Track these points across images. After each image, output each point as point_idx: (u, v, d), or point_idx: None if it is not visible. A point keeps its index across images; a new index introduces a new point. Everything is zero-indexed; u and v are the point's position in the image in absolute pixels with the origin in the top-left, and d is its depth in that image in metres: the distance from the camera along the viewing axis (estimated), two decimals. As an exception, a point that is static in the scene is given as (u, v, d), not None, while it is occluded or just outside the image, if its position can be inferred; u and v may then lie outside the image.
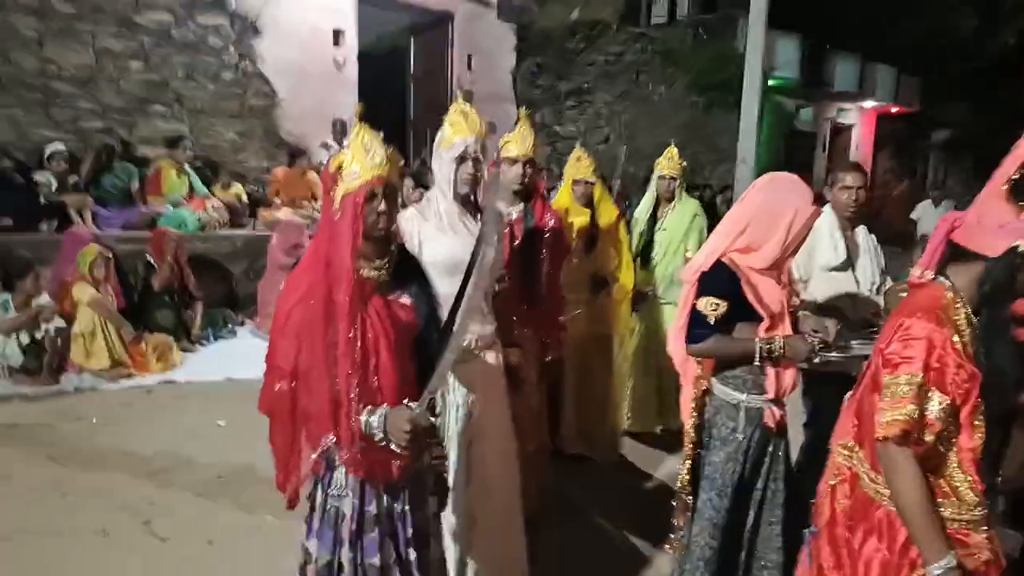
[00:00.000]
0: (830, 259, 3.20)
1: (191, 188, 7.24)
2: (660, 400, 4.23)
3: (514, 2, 10.66)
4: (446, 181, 2.39)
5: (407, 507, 1.85)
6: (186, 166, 7.27)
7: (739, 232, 2.35)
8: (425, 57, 10.51)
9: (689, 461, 2.49)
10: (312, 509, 1.84)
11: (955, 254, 1.65)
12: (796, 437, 2.81)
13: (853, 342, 2.54)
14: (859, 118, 19.41)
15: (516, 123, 3.14)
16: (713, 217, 11.52)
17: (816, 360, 2.35)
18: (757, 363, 2.30)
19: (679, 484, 2.51)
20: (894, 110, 19.73)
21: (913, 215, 11.68)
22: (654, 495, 3.70)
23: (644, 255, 4.29)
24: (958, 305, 1.62)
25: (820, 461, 1.99)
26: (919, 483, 1.57)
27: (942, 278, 1.66)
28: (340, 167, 1.71)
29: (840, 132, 19.27)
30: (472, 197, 2.45)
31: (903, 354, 1.58)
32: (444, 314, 1.94)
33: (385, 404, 1.72)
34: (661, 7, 17.19)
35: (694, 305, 2.35)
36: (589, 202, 3.87)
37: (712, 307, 2.31)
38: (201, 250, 6.65)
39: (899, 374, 1.58)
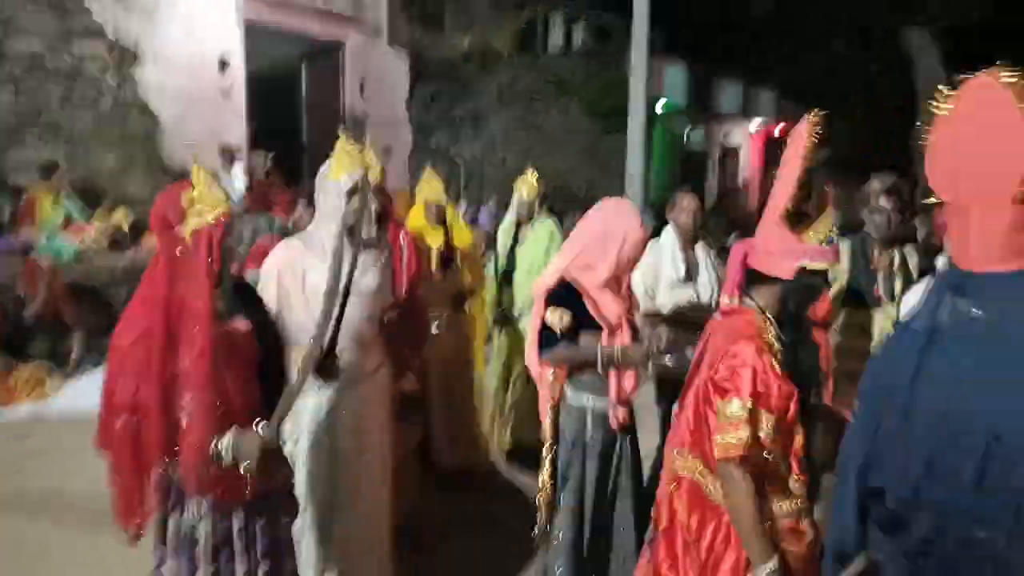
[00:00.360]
0: (672, 274, 3.56)
1: (68, 217, 7.04)
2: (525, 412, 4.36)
3: (405, 33, 10.91)
4: (333, 214, 2.45)
5: (259, 525, 1.93)
6: (63, 194, 7.07)
7: (579, 252, 2.59)
8: (317, 84, 10.57)
9: (548, 461, 2.67)
10: (163, 536, 1.89)
11: (753, 279, 1.88)
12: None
13: (687, 348, 2.80)
14: (745, 139, 20.63)
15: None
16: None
17: (651, 365, 2.59)
18: (600, 369, 2.53)
19: (540, 483, 2.69)
20: (777, 132, 21.08)
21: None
22: (523, 501, 3.82)
23: (507, 274, 4.44)
24: (768, 325, 1.86)
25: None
26: (752, 498, 1.76)
27: (748, 300, 1.89)
28: (191, 203, 1.80)
29: (729, 153, 20.42)
30: (358, 229, 2.53)
31: (732, 382, 1.79)
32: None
33: (233, 428, 1.79)
34: (557, 36, 17.88)
35: (543, 318, 2.57)
36: (443, 221, 4.04)
37: (558, 318, 2.52)
38: (80, 278, 6.47)
39: (730, 399, 1.78)
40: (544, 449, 2.69)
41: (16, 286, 5.84)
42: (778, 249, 1.83)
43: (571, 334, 2.54)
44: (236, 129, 9.07)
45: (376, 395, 2.64)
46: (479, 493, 3.93)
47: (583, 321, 2.54)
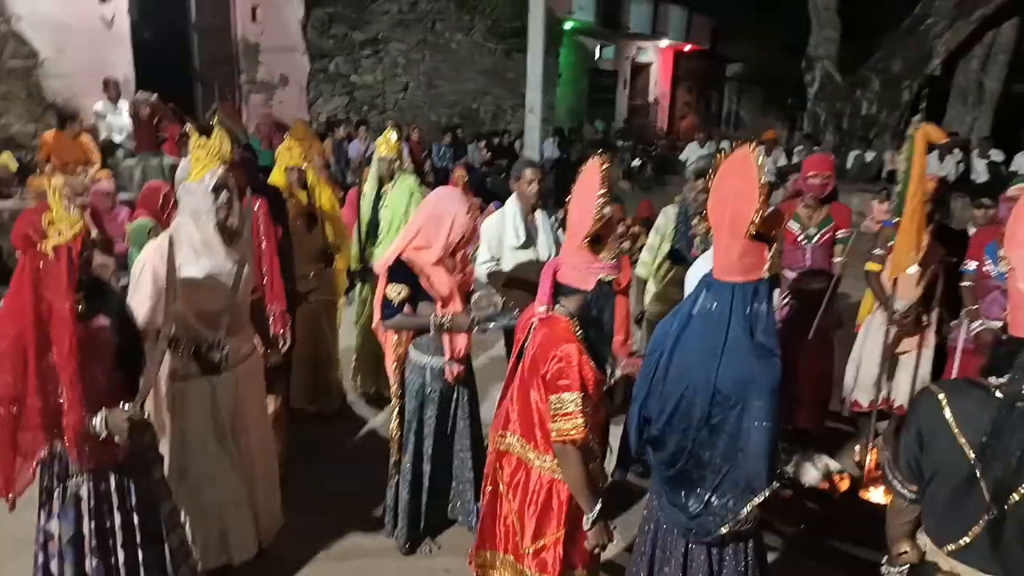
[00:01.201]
0: (514, 240, 4.03)
1: (-54, 159, 7.00)
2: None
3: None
4: (204, 211, 2.64)
5: (132, 481, 2.41)
6: (-62, 135, 7.00)
7: (414, 234, 3.07)
8: (207, 9, 10.29)
9: (396, 410, 3.24)
10: (49, 497, 2.33)
11: (561, 290, 2.36)
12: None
13: (513, 311, 3.32)
14: (657, 56, 20.90)
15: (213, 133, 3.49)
16: (510, 163, 12.05)
17: (476, 329, 3.11)
18: (432, 333, 3.08)
19: (391, 428, 3.26)
20: (687, 48, 21.42)
21: (681, 156, 13.16)
22: (377, 440, 4.36)
23: (371, 231, 4.66)
24: (577, 327, 2.35)
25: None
26: (583, 466, 2.29)
27: (559, 308, 2.36)
28: (51, 223, 2.13)
29: (640, 70, 20.71)
30: (226, 223, 2.71)
31: (562, 380, 2.21)
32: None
33: (103, 408, 2.22)
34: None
35: (384, 292, 3.06)
36: (305, 185, 4.34)
37: (396, 292, 3.02)
38: (-36, 223, 6.56)
39: (562, 394, 2.21)
40: (392, 401, 3.26)
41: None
42: (581, 267, 2.30)
43: (413, 301, 3.05)
44: (121, 60, 8.91)
45: (252, 375, 3.00)
46: (338, 431, 4.46)
47: (421, 292, 3.05)
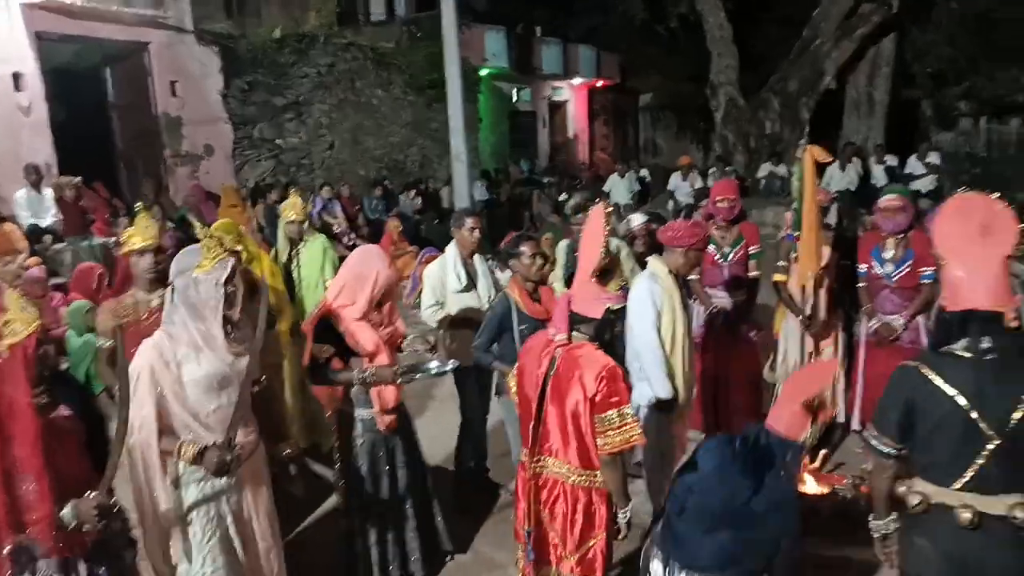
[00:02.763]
0: (456, 285, 4.22)
1: None
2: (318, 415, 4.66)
3: (212, 27, 10.83)
4: (210, 305, 2.52)
5: (102, 567, 2.42)
6: None
7: (339, 291, 3.24)
8: (125, 86, 10.34)
9: (339, 463, 3.37)
10: None
11: (576, 319, 2.63)
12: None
13: (432, 364, 3.52)
14: (571, 94, 21.70)
15: (132, 218, 3.48)
16: (440, 210, 12.36)
17: (399, 380, 3.27)
18: (359, 386, 3.23)
19: (334, 477, 3.39)
20: (599, 84, 22.33)
21: (605, 187, 13.71)
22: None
23: (289, 290, 4.76)
24: (596, 348, 2.64)
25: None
26: (623, 470, 2.63)
27: (577, 335, 2.64)
28: (7, 323, 2.17)
29: (557, 108, 21.45)
30: (232, 314, 2.62)
31: (613, 398, 2.51)
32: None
33: (72, 500, 2.23)
34: (379, 4, 17.92)
35: (310, 351, 3.21)
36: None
37: (322, 352, 3.17)
38: None
39: (614, 410, 2.51)
40: (334, 449, 3.40)
41: None
42: (591, 297, 2.62)
43: (344, 356, 3.19)
44: (42, 146, 8.86)
45: (257, 473, 2.81)
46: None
47: (347, 348, 3.18)
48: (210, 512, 2.62)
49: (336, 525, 3.51)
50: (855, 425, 4.56)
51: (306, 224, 4.86)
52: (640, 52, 20.71)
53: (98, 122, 10.36)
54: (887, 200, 4.16)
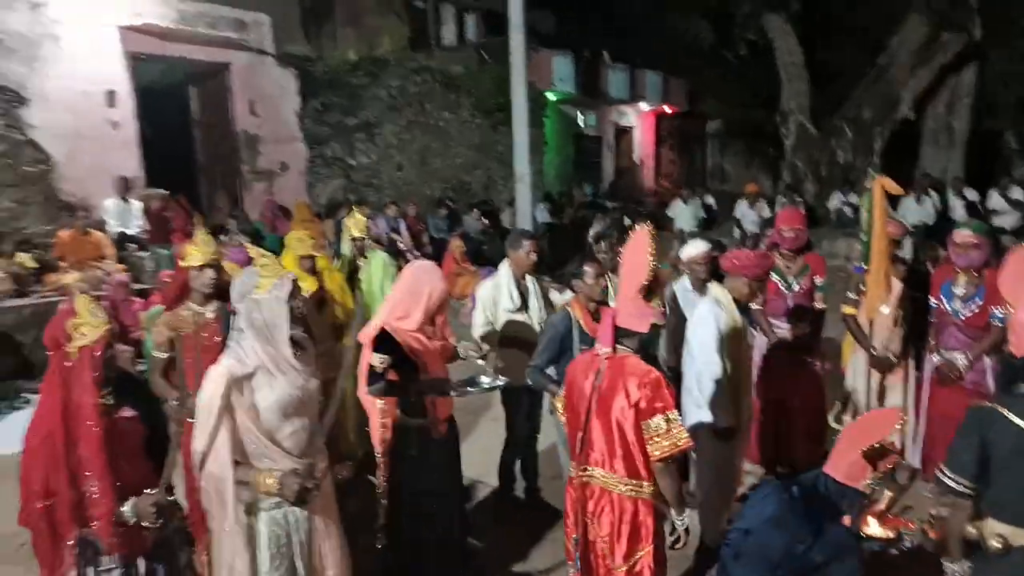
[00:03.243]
0: (508, 305, 4.30)
1: (-31, 263, 7.34)
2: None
3: (291, 49, 11.30)
4: (277, 325, 2.43)
5: (160, 566, 2.56)
6: (-39, 241, 7.36)
7: (395, 305, 3.39)
8: (207, 105, 10.89)
9: (383, 473, 3.44)
10: None
11: (622, 333, 2.69)
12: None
13: (484, 379, 3.61)
14: (638, 119, 21.67)
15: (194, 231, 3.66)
16: (502, 231, 12.44)
17: (454, 394, 3.41)
18: (413, 397, 3.33)
19: (379, 490, 3.45)
20: (667, 109, 22.23)
21: (669, 213, 13.61)
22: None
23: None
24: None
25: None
26: (678, 476, 2.65)
27: (622, 348, 2.69)
28: (77, 327, 2.33)
29: (623, 133, 21.45)
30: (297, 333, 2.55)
31: (658, 403, 2.55)
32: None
33: (132, 498, 2.36)
34: (450, 30, 18.35)
35: (368, 362, 3.32)
36: (313, 271, 4.63)
37: (379, 362, 3.28)
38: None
39: (658, 416, 2.54)
40: (380, 463, 3.45)
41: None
42: (638, 313, 2.67)
43: (401, 368, 3.29)
44: (130, 159, 9.40)
45: (327, 498, 2.72)
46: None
47: (404, 360, 3.29)
48: (280, 541, 2.52)
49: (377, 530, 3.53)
50: (916, 463, 4.39)
51: (367, 241, 5.03)
52: (708, 78, 20.55)
53: (181, 138, 10.92)
54: (962, 235, 4.03)
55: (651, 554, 2.67)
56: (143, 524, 2.39)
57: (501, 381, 3.58)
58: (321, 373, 4.43)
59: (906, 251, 7.76)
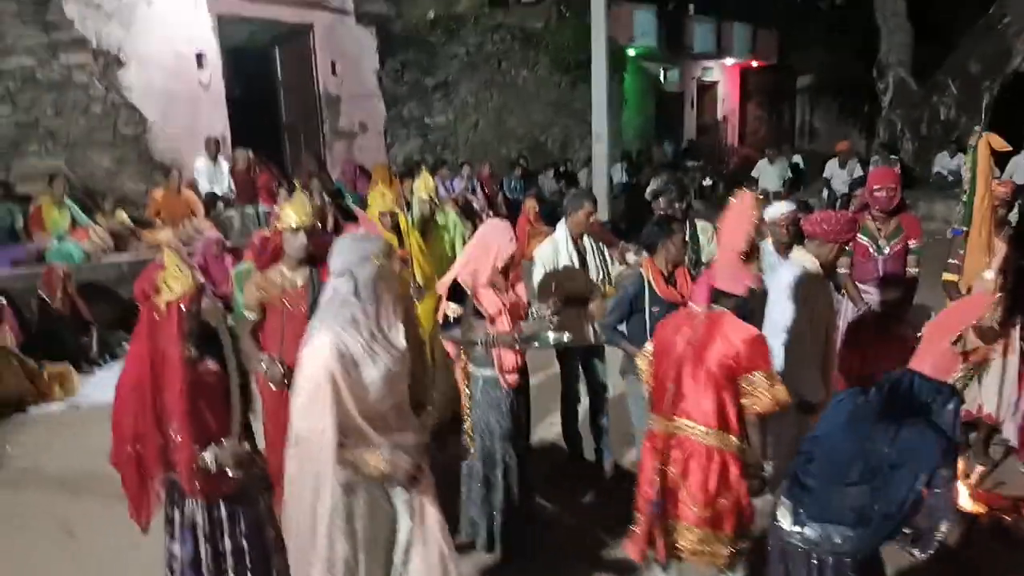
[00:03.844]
0: (567, 264, 4.25)
1: (73, 220, 7.80)
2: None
3: (371, 8, 11.35)
4: (393, 293, 2.36)
5: (241, 510, 2.67)
6: (66, 199, 7.81)
7: (467, 261, 3.51)
8: (291, 66, 11.09)
9: (466, 417, 3.54)
10: (171, 522, 2.62)
11: (718, 294, 2.76)
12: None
13: (550, 335, 3.63)
14: (722, 74, 20.86)
15: (291, 193, 3.76)
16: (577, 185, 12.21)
17: (518, 346, 3.45)
18: (482, 348, 3.40)
19: (465, 432, 3.54)
20: (755, 64, 21.28)
21: (753, 173, 13.07)
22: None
23: None
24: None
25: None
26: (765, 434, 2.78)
27: (717, 307, 2.75)
28: (164, 281, 2.41)
29: (707, 89, 20.71)
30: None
31: (759, 360, 2.64)
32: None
33: (212, 444, 2.47)
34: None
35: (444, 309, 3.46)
36: (396, 229, 4.57)
37: (452, 311, 3.45)
38: (90, 278, 7.23)
39: (757, 372, 2.63)
40: (463, 408, 3.55)
41: (36, 291, 6.65)
42: (734, 275, 2.75)
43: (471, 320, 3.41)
44: (218, 119, 9.72)
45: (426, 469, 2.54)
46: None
47: (476, 311, 3.40)
48: (376, 518, 2.38)
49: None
50: (1013, 440, 4.14)
51: (436, 201, 5.02)
52: (801, 29, 19.50)
53: (267, 99, 11.20)
54: None
55: (735, 500, 2.75)
56: (227, 471, 2.50)
57: (566, 337, 3.59)
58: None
59: (1014, 213, 7.24)
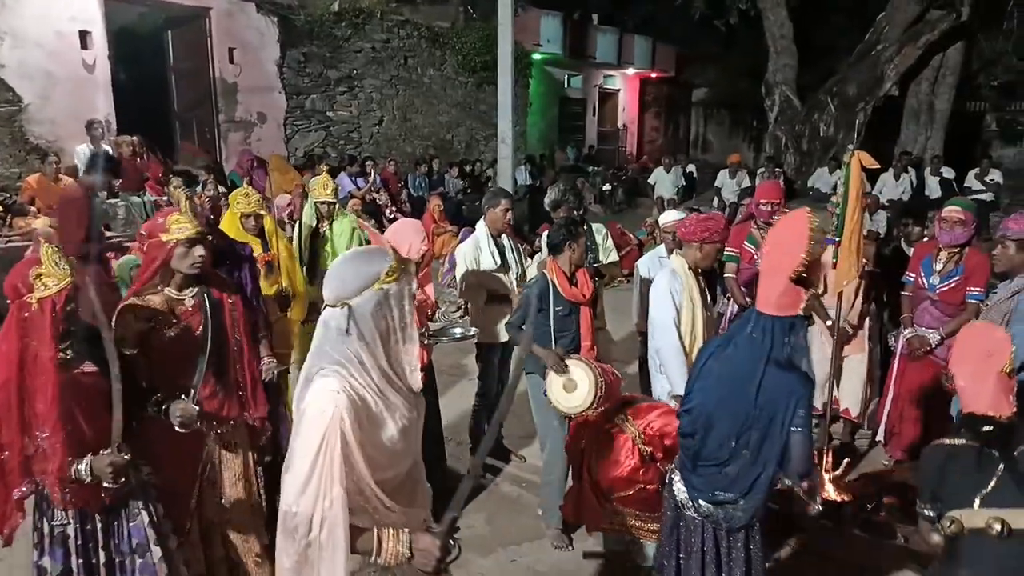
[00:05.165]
0: (491, 264, 4.31)
1: (-65, 204, 7.17)
2: None
3: (272, -4, 11.02)
4: (404, 328, 1.84)
5: (121, 524, 2.47)
6: (-75, 181, 7.17)
7: None
8: (184, 51, 10.58)
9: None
10: (41, 536, 2.40)
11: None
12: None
13: (455, 330, 3.69)
14: (623, 84, 21.50)
15: (180, 203, 3.42)
16: (482, 191, 12.49)
17: (427, 343, 3.46)
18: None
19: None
20: (654, 75, 22.07)
21: (650, 180, 13.60)
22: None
23: (311, 269, 4.58)
24: None
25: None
26: None
27: None
28: (39, 276, 2.22)
29: (608, 97, 21.29)
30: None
31: None
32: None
33: (88, 455, 2.26)
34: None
35: None
36: (261, 232, 4.16)
37: None
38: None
39: None
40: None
41: None
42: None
43: None
44: (103, 103, 9.15)
45: None
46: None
47: None
48: None
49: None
50: (879, 436, 4.51)
51: (335, 205, 4.77)
52: (697, 45, 20.40)
53: (157, 84, 10.64)
54: (949, 211, 4.06)
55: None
56: (103, 482, 2.31)
57: (472, 332, 3.64)
58: (271, 348, 3.86)
59: (880, 226, 7.88)
